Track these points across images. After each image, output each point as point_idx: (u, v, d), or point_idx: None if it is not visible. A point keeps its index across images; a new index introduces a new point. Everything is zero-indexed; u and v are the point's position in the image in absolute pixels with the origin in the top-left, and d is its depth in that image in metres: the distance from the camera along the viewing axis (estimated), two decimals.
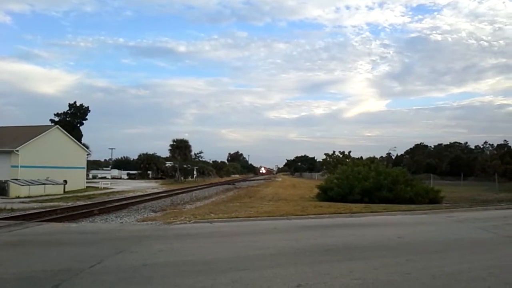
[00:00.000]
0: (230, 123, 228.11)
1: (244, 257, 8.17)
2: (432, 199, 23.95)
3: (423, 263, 7.60)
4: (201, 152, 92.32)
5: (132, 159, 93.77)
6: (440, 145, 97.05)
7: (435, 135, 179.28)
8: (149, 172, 78.91)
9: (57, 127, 42.05)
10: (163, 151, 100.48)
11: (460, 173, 56.38)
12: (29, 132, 37.29)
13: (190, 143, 71.62)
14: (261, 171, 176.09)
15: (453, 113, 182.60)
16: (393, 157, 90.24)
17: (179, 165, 70.50)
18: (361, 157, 43.36)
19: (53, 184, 33.50)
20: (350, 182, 24.34)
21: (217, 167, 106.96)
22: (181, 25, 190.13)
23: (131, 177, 76.06)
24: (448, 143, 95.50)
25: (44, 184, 32.43)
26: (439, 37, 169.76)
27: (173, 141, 69.36)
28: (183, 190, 38.37)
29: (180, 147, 68.72)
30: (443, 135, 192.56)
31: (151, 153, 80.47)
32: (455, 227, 13.27)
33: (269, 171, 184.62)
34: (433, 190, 25.74)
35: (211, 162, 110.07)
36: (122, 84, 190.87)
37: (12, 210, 19.42)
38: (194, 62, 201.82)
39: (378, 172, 24.89)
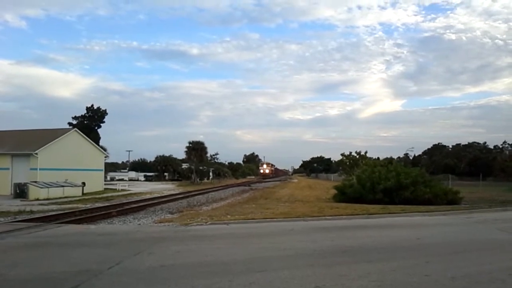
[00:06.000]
0: (245, 124, 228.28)
1: (261, 258, 8.17)
2: (450, 200, 23.67)
3: (442, 264, 7.51)
4: (216, 154, 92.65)
5: (148, 161, 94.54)
6: (458, 145, 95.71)
7: (453, 135, 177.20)
8: (165, 173, 79.47)
9: (75, 130, 42.56)
10: (179, 153, 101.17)
11: (479, 173, 55.48)
12: (48, 135, 37.81)
13: (206, 144, 71.76)
14: (261, 171, 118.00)
15: (470, 112, 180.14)
16: (411, 158, 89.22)
17: (195, 167, 70.72)
18: (378, 158, 43.03)
19: (71, 186, 33.89)
20: (371, 182, 24.21)
21: (233, 169, 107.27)
22: (193, 28, 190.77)
23: (148, 179, 76.62)
24: (467, 143, 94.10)
25: (62, 186, 32.83)
26: (453, 36, 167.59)
27: (189, 143, 69.62)
28: (199, 192, 38.48)
29: (196, 148, 68.92)
30: (461, 135, 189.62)
31: (167, 155, 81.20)
32: (475, 228, 13.09)
33: (277, 171, 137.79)
34: (452, 191, 25.43)
35: (226, 163, 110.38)
36: (137, 87, 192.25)
37: (31, 212, 19.70)
38: (207, 64, 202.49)
39: (398, 173, 24.71)
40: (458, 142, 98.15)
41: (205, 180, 75.18)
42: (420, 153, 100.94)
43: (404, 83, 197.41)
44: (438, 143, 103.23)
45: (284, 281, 6.32)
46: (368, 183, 24.26)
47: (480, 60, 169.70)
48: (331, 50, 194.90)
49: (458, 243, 10.13)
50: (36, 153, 34.02)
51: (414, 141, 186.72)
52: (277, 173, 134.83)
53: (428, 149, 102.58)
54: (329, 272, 6.82)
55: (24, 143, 36.58)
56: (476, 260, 8.10)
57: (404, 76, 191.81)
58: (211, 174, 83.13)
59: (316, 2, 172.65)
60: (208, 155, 78.86)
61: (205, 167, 78.53)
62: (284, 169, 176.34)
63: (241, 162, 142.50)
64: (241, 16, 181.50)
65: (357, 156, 45.96)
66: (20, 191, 30.47)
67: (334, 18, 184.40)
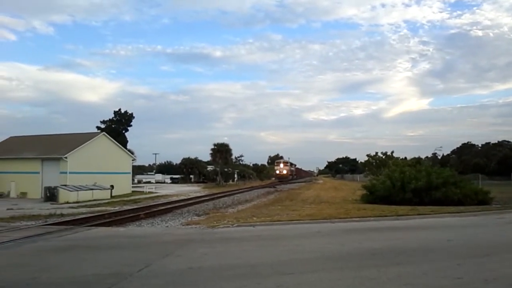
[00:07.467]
0: (269, 126, 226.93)
1: (288, 261, 8.14)
2: (481, 201, 23.12)
3: (475, 267, 7.35)
4: (241, 156, 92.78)
5: (174, 164, 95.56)
6: (488, 144, 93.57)
7: (482, 133, 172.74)
8: (191, 176, 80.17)
9: (104, 134, 43.41)
10: (204, 155, 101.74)
11: (509, 172, 54.08)
12: (77, 139, 38.68)
13: (230, 146, 72.08)
14: (277, 171, 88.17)
15: (499, 110, 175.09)
16: (439, 157, 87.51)
17: (220, 169, 71.15)
18: (405, 158, 42.45)
19: (100, 189, 34.53)
20: (401, 181, 23.92)
21: (258, 170, 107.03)
22: (216, 30, 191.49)
23: (174, 181, 77.42)
24: (496, 142, 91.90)
25: (91, 189, 33.49)
26: (480, 33, 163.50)
27: (214, 145, 70.13)
28: (224, 194, 38.65)
29: (221, 151, 69.38)
30: (490, 134, 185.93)
31: (192, 157, 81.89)
32: (507, 229, 12.77)
33: (298, 172, 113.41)
34: (482, 191, 24.87)
35: (251, 165, 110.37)
36: (162, 91, 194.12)
37: (62, 215, 20.10)
38: (231, 67, 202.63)
39: (429, 173, 24.34)
40: (487, 141, 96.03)
41: (230, 182, 75.50)
42: (449, 152, 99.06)
43: (431, 81, 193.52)
44: (467, 142, 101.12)
45: (312, 284, 6.28)
46: (399, 182, 23.97)
47: (508, 57, 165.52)
48: (355, 49, 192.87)
49: (490, 244, 9.86)
50: (66, 157, 34.80)
51: (442, 140, 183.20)
52: (299, 173, 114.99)
53: (457, 148, 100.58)
54: (358, 275, 6.73)
55: (54, 147, 37.51)
56: (510, 262, 7.88)
57: (431, 74, 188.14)
58: (236, 176, 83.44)
59: (339, 1, 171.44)
60: (233, 157, 79.30)
61: (230, 169, 78.85)
62: (309, 170, 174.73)
63: (266, 164, 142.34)
64: (264, 17, 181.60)
65: (383, 157, 45.48)
66: (50, 195, 31.23)
67: (358, 16, 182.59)
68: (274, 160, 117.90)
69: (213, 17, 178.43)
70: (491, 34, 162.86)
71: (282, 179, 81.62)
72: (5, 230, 13.66)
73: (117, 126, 70.58)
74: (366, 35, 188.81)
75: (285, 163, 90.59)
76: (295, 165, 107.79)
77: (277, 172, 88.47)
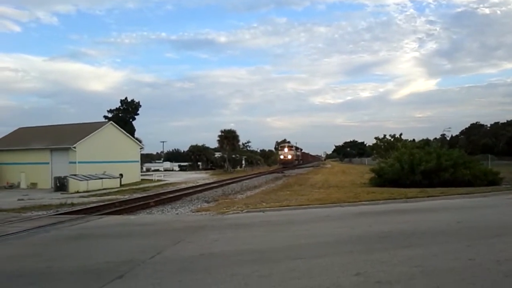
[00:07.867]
0: (275, 111, 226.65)
1: (299, 245, 8.16)
2: (491, 181, 23.05)
3: (486, 248, 7.32)
4: (248, 142, 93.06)
5: (182, 151, 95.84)
6: (496, 123, 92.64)
7: (490, 113, 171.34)
8: (199, 163, 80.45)
9: (111, 123, 43.55)
10: (212, 142, 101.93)
11: None
12: (85, 129, 38.87)
13: (237, 133, 72.07)
14: (281, 156, 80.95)
15: (508, 89, 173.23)
16: (448, 138, 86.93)
17: (227, 156, 71.32)
18: (413, 140, 42.25)
19: (109, 178, 34.77)
20: (410, 163, 23.85)
21: (265, 156, 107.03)
22: (220, 15, 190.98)
23: (182, 168, 77.72)
24: (505, 121, 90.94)
25: (101, 178, 33.72)
26: (487, 11, 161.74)
27: (221, 131, 70.13)
28: (233, 180, 38.73)
29: (228, 137, 69.40)
30: (499, 113, 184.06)
31: (200, 144, 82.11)
32: None
33: (305, 156, 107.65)
34: (492, 171, 24.80)
35: (258, 151, 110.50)
36: (168, 78, 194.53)
37: (72, 204, 20.32)
38: (236, 52, 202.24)
39: (439, 154, 24.25)
40: (496, 121, 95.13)
41: (238, 168, 75.71)
42: (457, 133, 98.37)
43: (438, 61, 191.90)
44: (476, 122, 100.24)
45: (324, 268, 6.30)
46: (407, 165, 23.90)
47: None
48: (361, 31, 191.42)
49: (501, 225, 9.83)
50: (74, 147, 35.02)
51: (450, 121, 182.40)
52: (306, 158, 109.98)
53: (466, 128, 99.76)
54: (369, 259, 6.73)
55: (62, 137, 37.74)
56: None
57: (438, 54, 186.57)
58: (243, 162, 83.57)
59: None
60: (240, 143, 79.37)
61: (237, 155, 79.03)
62: (317, 155, 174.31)
63: (273, 149, 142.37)
64: (268, 0, 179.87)
65: (392, 139, 45.32)
66: (60, 184, 31.50)
67: None
68: None
69: (216, 1, 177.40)
70: (498, 12, 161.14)
71: (286, 164, 77.21)
72: (17, 220, 13.85)
73: (124, 115, 70.93)
74: (371, 15, 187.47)
75: (290, 147, 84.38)
76: (301, 149, 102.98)
77: (281, 157, 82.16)
